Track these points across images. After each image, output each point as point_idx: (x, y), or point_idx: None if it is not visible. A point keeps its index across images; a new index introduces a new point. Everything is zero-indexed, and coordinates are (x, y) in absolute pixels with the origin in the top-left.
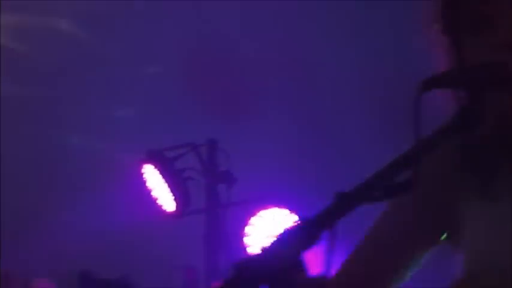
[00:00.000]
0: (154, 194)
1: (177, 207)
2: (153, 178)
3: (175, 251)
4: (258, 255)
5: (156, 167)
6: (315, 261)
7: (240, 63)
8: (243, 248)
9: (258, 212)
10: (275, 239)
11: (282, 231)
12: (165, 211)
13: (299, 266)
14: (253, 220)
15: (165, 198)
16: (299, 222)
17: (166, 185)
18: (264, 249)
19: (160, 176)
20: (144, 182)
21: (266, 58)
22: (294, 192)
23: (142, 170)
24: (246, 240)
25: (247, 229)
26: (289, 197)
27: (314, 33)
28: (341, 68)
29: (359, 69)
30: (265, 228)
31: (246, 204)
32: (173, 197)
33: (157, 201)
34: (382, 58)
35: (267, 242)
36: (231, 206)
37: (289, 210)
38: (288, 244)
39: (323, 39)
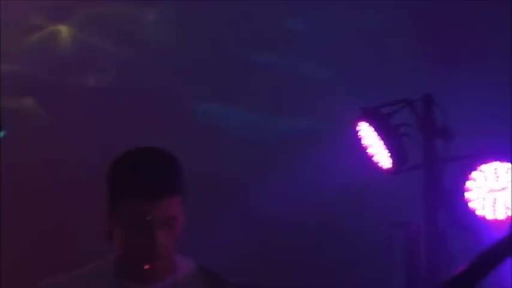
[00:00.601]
0: (370, 151)
1: (393, 163)
2: (368, 135)
3: (395, 208)
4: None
5: (371, 124)
6: None
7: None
8: (464, 203)
9: (479, 166)
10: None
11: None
12: (382, 168)
13: None
14: (474, 174)
15: (381, 155)
16: None
17: (382, 142)
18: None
19: (376, 133)
20: (360, 140)
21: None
22: None
23: (358, 128)
24: (467, 195)
25: (468, 184)
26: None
27: None
28: None
29: None
30: (487, 182)
31: (464, 159)
32: (389, 154)
33: (374, 159)
34: None
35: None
36: (449, 161)
37: None
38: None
39: None
